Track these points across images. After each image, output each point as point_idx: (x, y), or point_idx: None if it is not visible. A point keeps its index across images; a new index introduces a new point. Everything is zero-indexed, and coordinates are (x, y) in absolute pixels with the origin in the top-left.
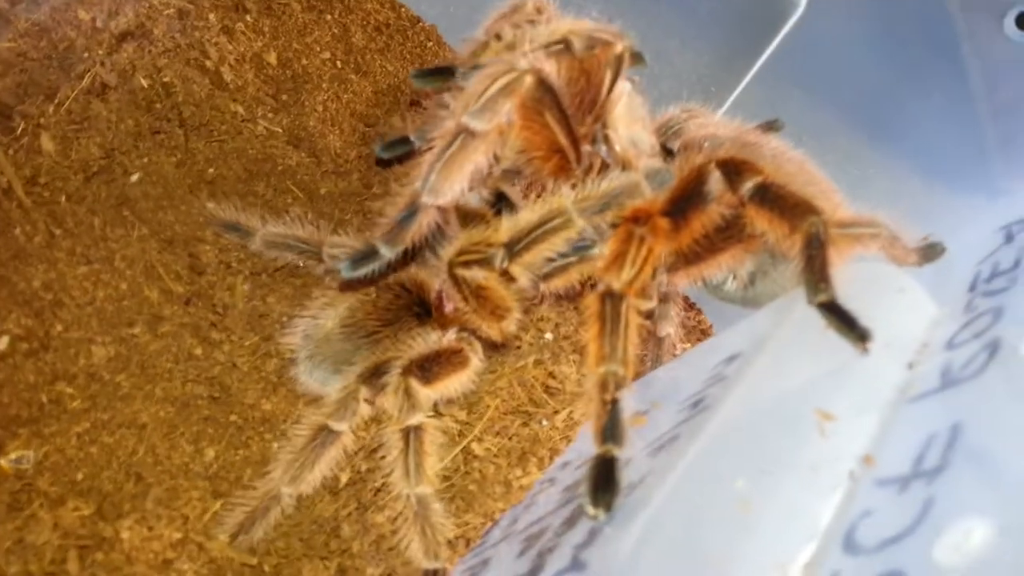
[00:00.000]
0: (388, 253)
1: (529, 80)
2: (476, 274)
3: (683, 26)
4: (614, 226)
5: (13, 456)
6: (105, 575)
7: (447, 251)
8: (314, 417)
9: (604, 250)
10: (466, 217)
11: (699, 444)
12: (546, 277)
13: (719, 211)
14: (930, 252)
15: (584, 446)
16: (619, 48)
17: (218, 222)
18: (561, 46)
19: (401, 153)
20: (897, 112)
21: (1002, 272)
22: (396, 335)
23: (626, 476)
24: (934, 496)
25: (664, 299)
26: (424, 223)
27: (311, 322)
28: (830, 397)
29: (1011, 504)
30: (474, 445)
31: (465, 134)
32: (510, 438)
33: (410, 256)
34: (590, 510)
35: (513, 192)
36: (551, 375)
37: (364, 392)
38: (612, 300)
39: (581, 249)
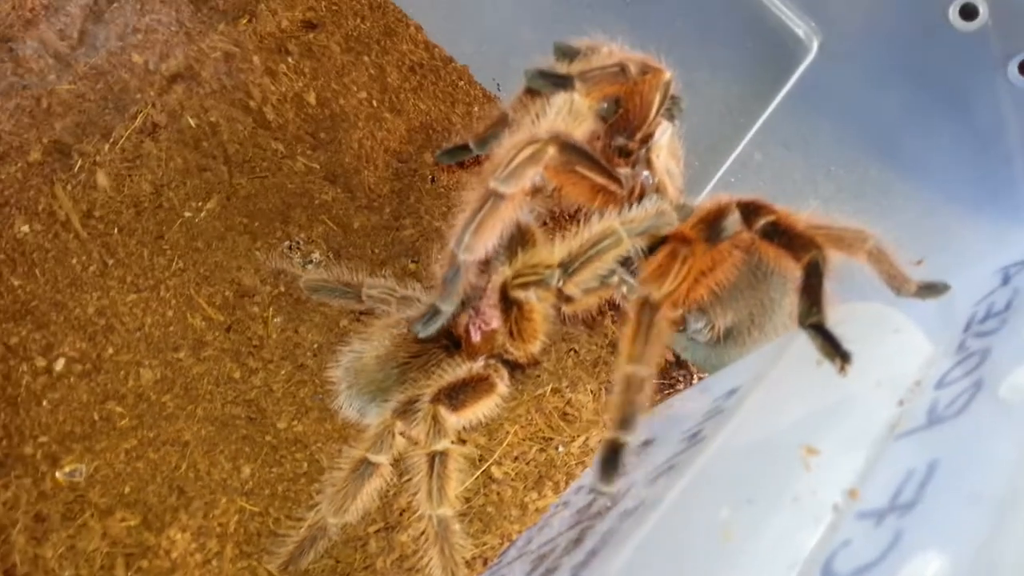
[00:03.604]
0: (449, 308)
1: (552, 150)
2: (530, 295)
3: (704, 58)
4: (648, 249)
5: (67, 469)
6: None
7: (499, 274)
8: (354, 451)
9: (625, 276)
10: (514, 230)
11: (689, 474)
12: (567, 301)
13: (729, 248)
14: (932, 289)
15: None
16: (667, 75)
17: (265, 269)
18: (617, 70)
19: (460, 159)
20: (914, 154)
21: (995, 314)
22: (425, 366)
23: (626, 501)
24: (903, 529)
25: None
26: (469, 276)
27: (351, 355)
28: (819, 433)
29: (966, 540)
30: (493, 469)
31: (494, 197)
32: (528, 463)
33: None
34: (600, 486)
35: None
36: (568, 403)
37: (399, 425)
38: (649, 308)
39: (602, 276)
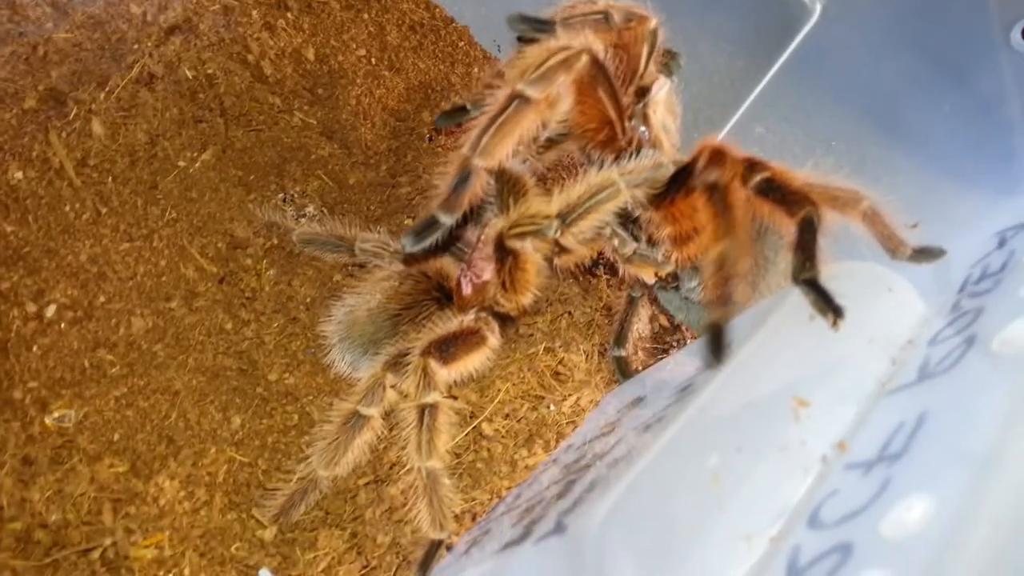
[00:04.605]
0: (448, 220)
1: (585, 59)
2: (527, 246)
3: (707, 27)
4: (648, 196)
5: (56, 414)
6: (137, 527)
7: (495, 224)
8: (344, 404)
9: (617, 228)
10: (506, 180)
11: (679, 422)
12: (559, 253)
13: None
14: (927, 253)
15: (589, 430)
16: (653, 22)
17: (259, 221)
18: (600, 16)
19: (458, 121)
20: (915, 120)
21: (990, 275)
22: (416, 318)
23: (616, 451)
24: (890, 477)
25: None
26: (478, 186)
27: (342, 309)
28: (810, 386)
29: (951, 483)
30: (484, 425)
31: (519, 100)
32: (518, 420)
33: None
34: (713, 363)
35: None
36: (561, 363)
37: (390, 378)
38: (718, 189)
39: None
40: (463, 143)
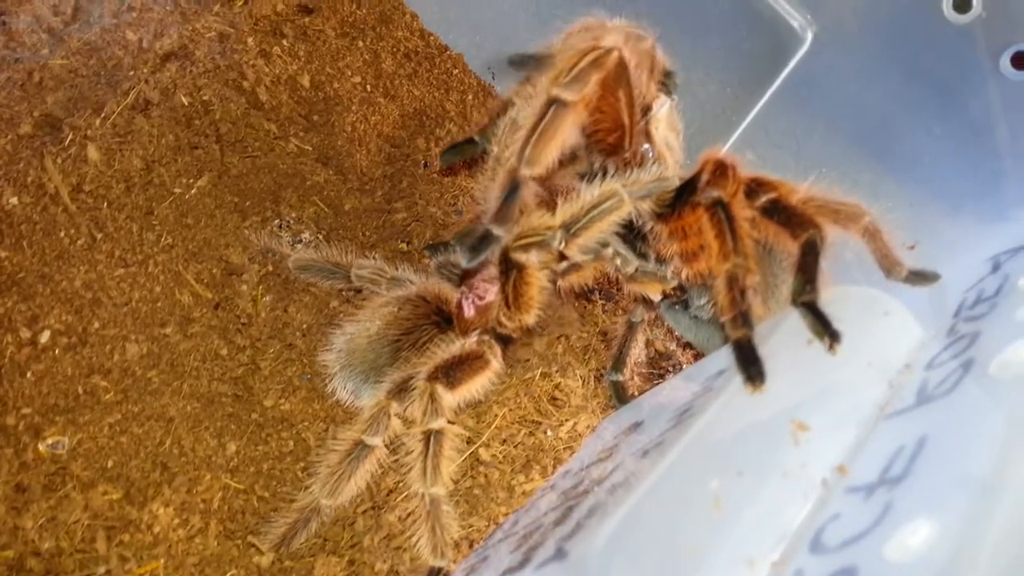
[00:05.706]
0: (501, 233)
1: (615, 56)
2: (532, 258)
3: (699, 56)
4: (654, 213)
5: (50, 441)
6: (131, 555)
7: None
8: (349, 433)
9: (619, 247)
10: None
11: (679, 446)
12: (563, 274)
13: None
14: (922, 276)
15: (586, 456)
16: (650, 41)
17: (254, 247)
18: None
19: (466, 156)
20: (905, 145)
21: (985, 299)
22: (416, 343)
23: (615, 476)
24: (892, 501)
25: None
26: (527, 196)
27: (342, 338)
28: (809, 410)
29: (954, 507)
30: (481, 451)
31: (557, 105)
32: (516, 446)
33: None
34: (749, 388)
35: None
36: (557, 387)
37: (394, 407)
38: (722, 205)
39: (595, 249)
40: (510, 155)
